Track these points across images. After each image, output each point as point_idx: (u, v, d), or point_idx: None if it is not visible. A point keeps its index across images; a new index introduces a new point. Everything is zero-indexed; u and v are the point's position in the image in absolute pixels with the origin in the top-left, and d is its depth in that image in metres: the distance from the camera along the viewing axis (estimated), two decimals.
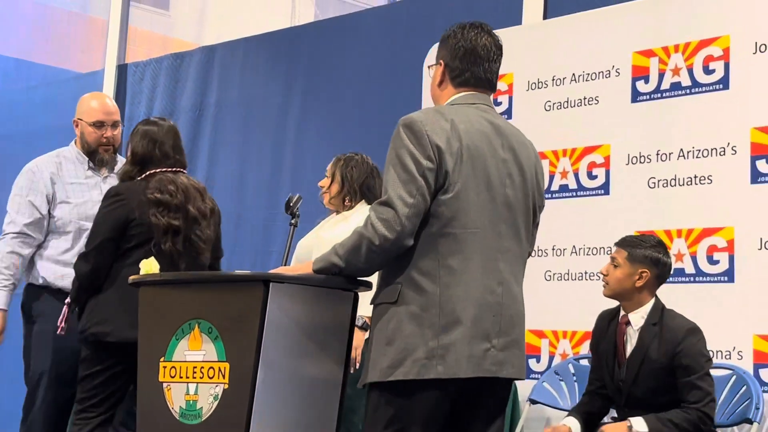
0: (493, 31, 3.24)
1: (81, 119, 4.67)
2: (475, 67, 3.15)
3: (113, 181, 4.63)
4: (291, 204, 3.86)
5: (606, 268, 4.13)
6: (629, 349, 4.05)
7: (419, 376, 2.91)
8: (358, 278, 3.14)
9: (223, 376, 3.16)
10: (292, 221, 3.84)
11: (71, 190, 4.69)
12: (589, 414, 4.23)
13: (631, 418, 3.93)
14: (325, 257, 3.04)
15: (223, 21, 12.23)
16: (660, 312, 4.05)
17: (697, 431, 3.88)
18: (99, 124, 4.65)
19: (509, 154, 3.09)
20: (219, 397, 3.15)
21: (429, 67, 3.30)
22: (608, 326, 4.19)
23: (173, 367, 3.30)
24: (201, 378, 3.22)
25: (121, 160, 4.75)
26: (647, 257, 4.06)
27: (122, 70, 8.58)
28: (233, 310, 3.17)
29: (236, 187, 7.45)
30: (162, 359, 3.33)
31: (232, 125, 7.63)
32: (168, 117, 7.76)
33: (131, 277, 3.64)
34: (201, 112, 7.82)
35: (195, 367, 3.24)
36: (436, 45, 5.74)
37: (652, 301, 4.09)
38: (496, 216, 3.01)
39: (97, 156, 4.70)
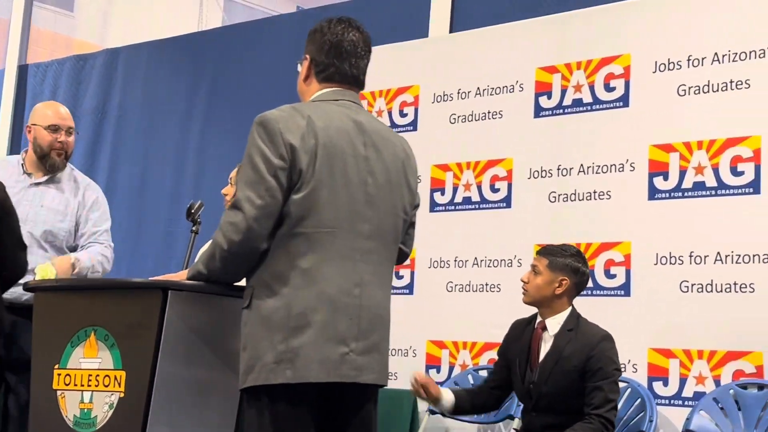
0: (362, 27, 3.11)
1: (35, 124, 4.54)
2: (341, 63, 3.02)
3: (49, 187, 4.52)
4: (192, 211, 3.81)
5: (527, 275, 4.14)
6: (543, 353, 4.10)
7: (267, 382, 2.79)
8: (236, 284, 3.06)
9: (119, 385, 3.09)
10: (193, 228, 3.80)
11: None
12: (472, 402, 4.25)
13: None
14: (194, 265, 2.98)
15: (128, 23, 12.08)
16: (576, 319, 4.11)
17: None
18: (54, 128, 4.53)
19: (372, 152, 2.97)
20: (114, 405, 3.08)
21: (299, 62, 3.15)
22: (522, 332, 4.23)
23: (68, 374, 3.22)
24: (96, 386, 3.15)
25: (70, 169, 4.64)
26: (567, 266, 4.11)
27: (23, 70, 8.40)
28: (130, 317, 3.11)
29: (138, 192, 7.34)
30: (56, 366, 3.24)
31: (134, 129, 7.53)
32: None
33: (27, 283, 3.54)
34: (103, 115, 7.70)
35: (90, 375, 3.17)
36: None
37: (569, 309, 4.14)
38: (355, 215, 2.90)
39: (49, 160, 4.57)
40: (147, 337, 3.04)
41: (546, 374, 4.02)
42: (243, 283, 2.99)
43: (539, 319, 4.14)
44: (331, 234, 2.85)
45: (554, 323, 4.08)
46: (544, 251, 4.17)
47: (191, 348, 3.16)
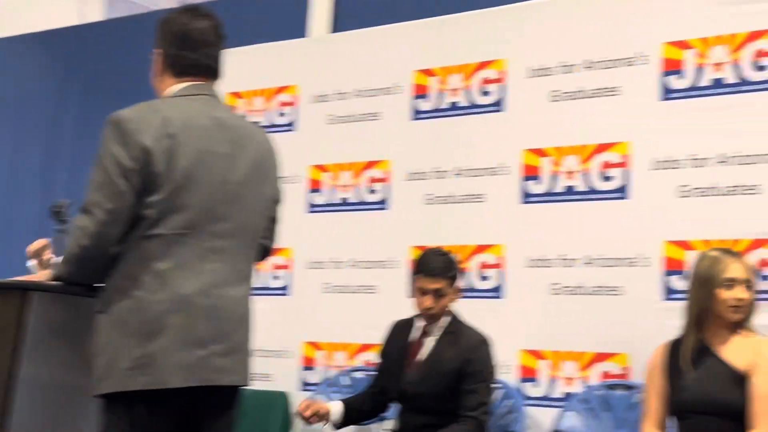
0: (213, 14, 3.02)
1: None
2: (193, 54, 2.93)
3: None
4: (59, 210, 3.71)
5: (430, 301, 4.08)
6: (423, 354, 4.12)
7: (125, 388, 2.71)
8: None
9: None
10: (61, 227, 3.69)
11: None
12: (358, 410, 4.25)
13: None
14: (57, 265, 2.91)
15: (4, 15, 11.71)
16: (457, 323, 4.15)
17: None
18: None
19: (233, 149, 2.89)
20: None
21: (150, 55, 3.04)
22: (401, 332, 4.24)
23: None
24: None
25: None
26: (460, 275, 4.20)
27: None
28: None
29: (7, 188, 7.14)
30: None
31: (4, 125, 7.31)
32: None
33: None
34: None
35: None
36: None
37: (450, 314, 4.18)
38: (214, 215, 2.82)
39: None
40: (5, 339, 2.95)
41: (424, 375, 4.04)
42: None
43: (422, 323, 4.16)
44: (188, 235, 2.79)
45: (437, 328, 4.12)
46: (439, 273, 4.09)
47: (54, 350, 3.08)
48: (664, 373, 3.67)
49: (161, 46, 2.97)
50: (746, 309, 3.60)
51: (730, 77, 4.48)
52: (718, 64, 4.51)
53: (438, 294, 4.07)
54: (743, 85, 4.45)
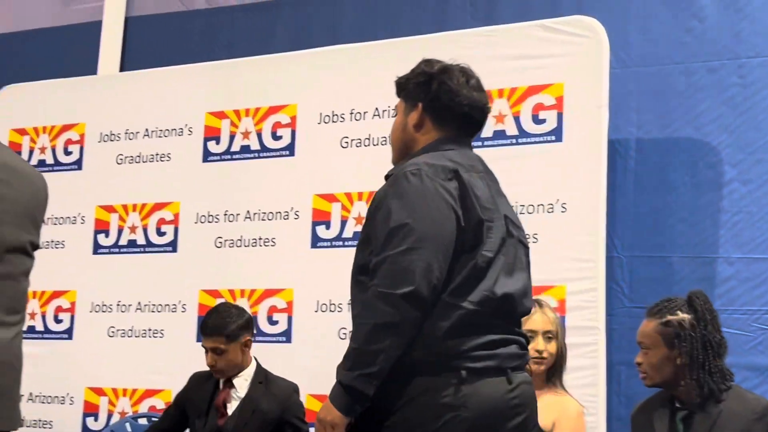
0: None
1: None
2: None
3: None
4: None
5: (211, 359, 4.07)
6: (233, 407, 4.08)
7: None
8: None
9: None
10: None
11: None
12: None
13: None
14: None
15: None
16: (263, 372, 4.18)
17: None
18: None
19: (6, 189, 2.75)
20: None
21: None
22: (203, 385, 4.19)
23: None
24: None
25: None
26: (242, 326, 4.13)
27: None
28: None
29: None
30: None
31: None
32: None
33: None
34: None
35: None
36: (7, 86, 5.51)
37: (253, 362, 4.19)
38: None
39: None
40: None
41: (243, 425, 4.01)
42: None
43: (223, 378, 4.13)
44: None
45: (241, 380, 4.10)
46: (212, 331, 4.08)
47: None
48: None
49: None
50: (549, 361, 3.66)
51: None
52: (499, 117, 4.68)
53: (217, 352, 4.07)
54: None
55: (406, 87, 2.94)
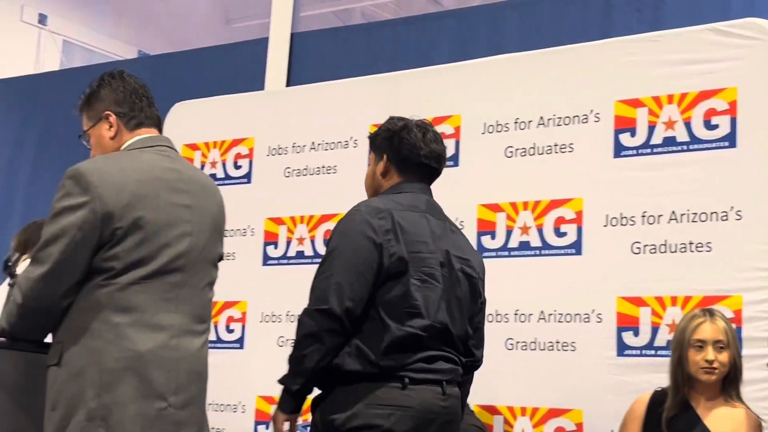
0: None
1: None
2: (148, 108, 3.04)
3: None
4: (10, 263, 3.67)
5: None
6: None
7: None
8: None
9: None
10: (10, 281, 3.64)
11: None
12: None
13: None
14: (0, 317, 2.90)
15: None
16: None
17: None
18: None
19: (194, 201, 2.95)
20: None
21: (84, 133, 3.10)
22: None
23: None
24: None
25: None
26: None
27: None
28: None
29: None
30: None
31: None
32: None
33: None
34: None
35: None
36: (178, 104, 5.71)
37: None
38: (173, 266, 2.85)
39: None
40: None
41: None
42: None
43: None
44: (146, 286, 2.80)
45: None
46: None
47: (3, 407, 3.03)
48: (641, 427, 3.68)
49: (108, 108, 3.02)
50: (720, 371, 3.60)
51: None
52: (669, 123, 4.57)
53: None
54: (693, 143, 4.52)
55: (375, 142, 3.57)
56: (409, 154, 3.42)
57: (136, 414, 2.74)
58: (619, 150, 4.67)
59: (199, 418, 2.92)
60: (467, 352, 3.38)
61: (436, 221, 3.33)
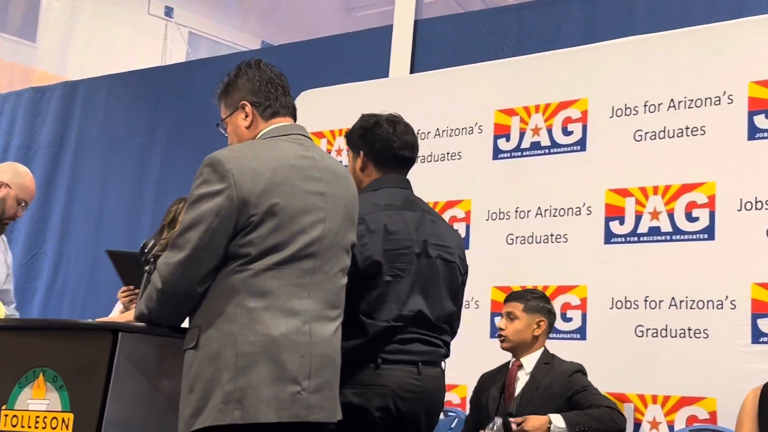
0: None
1: (11, 188, 4.56)
2: (283, 97, 3.06)
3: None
4: (146, 250, 3.77)
5: (503, 322, 4.24)
6: (520, 387, 4.16)
7: (215, 422, 2.73)
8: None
9: (67, 427, 3.04)
10: (147, 267, 3.74)
11: None
12: None
13: (550, 414, 4.03)
14: (138, 305, 2.96)
15: (90, 55, 12.01)
16: (551, 355, 4.28)
17: (609, 423, 4.01)
18: (23, 203, 4.61)
19: (326, 188, 2.96)
20: None
21: (222, 121, 3.14)
22: (494, 378, 4.29)
23: (15, 416, 3.17)
24: (44, 428, 3.10)
25: None
26: (542, 307, 4.27)
27: None
28: (80, 359, 3.06)
29: (94, 226, 7.28)
30: (4, 407, 3.19)
31: (91, 163, 7.47)
32: (25, 152, 7.60)
33: None
34: (60, 148, 7.64)
35: (38, 417, 3.12)
36: (303, 92, 5.76)
37: (543, 348, 4.31)
38: (306, 252, 2.87)
39: (0, 227, 4.64)
40: (96, 380, 2.99)
41: (525, 403, 4.09)
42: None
43: (514, 359, 4.21)
44: (280, 271, 2.83)
45: (530, 361, 4.19)
46: (514, 296, 4.34)
47: (142, 390, 3.12)
48: (755, 420, 3.59)
49: (245, 98, 3.05)
50: None
51: None
52: None
53: (510, 317, 4.30)
54: None
55: (350, 140, 3.66)
56: (383, 147, 3.56)
57: (271, 397, 2.77)
58: (754, 132, 4.55)
59: (331, 403, 2.95)
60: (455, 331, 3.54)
61: (412, 215, 3.45)
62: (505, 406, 4.18)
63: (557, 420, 4.01)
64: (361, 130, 3.64)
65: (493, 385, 4.31)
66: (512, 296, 4.38)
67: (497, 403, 4.22)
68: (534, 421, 4.00)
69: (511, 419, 4.00)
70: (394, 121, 3.67)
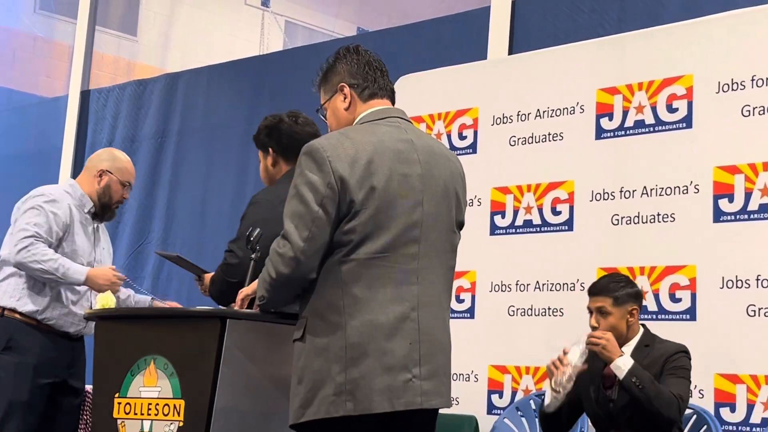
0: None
1: (112, 173, 4.69)
2: (381, 79, 3.07)
3: (101, 231, 4.79)
4: (252, 238, 3.80)
5: (595, 320, 4.14)
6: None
7: (328, 415, 2.75)
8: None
9: (179, 414, 3.10)
10: (253, 255, 3.77)
11: (77, 231, 4.65)
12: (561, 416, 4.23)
13: (625, 355, 4.00)
14: (258, 289, 2.99)
15: (189, 47, 12.18)
16: (651, 337, 4.17)
17: (666, 408, 3.90)
18: (126, 185, 4.74)
19: (425, 170, 2.94)
20: None
21: (321, 106, 3.16)
22: (592, 361, 4.21)
23: (128, 403, 3.24)
24: (156, 415, 3.16)
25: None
26: (631, 294, 4.15)
27: (85, 95, 8.51)
28: (190, 346, 3.12)
29: (198, 215, 7.39)
30: (117, 395, 3.27)
31: (194, 153, 7.58)
32: (129, 144, 7.74)
33: (86, 312, 3.58)
34: (163, 139, 7.77)
35: (150, 404, 3.18)
36: (401, 77, 5.75)
37: (641, 329, 4.19)
38: (409, 238, 2.86)
39: (109, 212, 4.76)
40: (206, 366, 3.05)
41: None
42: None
43: None
44: (385, 259, 2.83)
45: (629, 348, 4.09)
46: (600, 290, 4.19)
47: (250, 377, 3.16)
48: None
49: (343, 80, 3.05)
50: None
51: None
52: None
53: (601, 312, 4.14)
54: None
55: (258, 141, 4.00)
56: (289, 141, 3.83)
57: (383, 387, 2.77)
58: None
59: (447, 389, 2.94)
60: None
61: None
62: (608, 393, 4.10)
63: (625, 360, 3.95)
64: (267, 129, 3.94)
65: (592, 368, 4.21)
66: (597, 290, 4.19)
67: (597, 393, 4.13)
68: (612, 341, 3.98)
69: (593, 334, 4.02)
70: (295, 115, 3.92)
